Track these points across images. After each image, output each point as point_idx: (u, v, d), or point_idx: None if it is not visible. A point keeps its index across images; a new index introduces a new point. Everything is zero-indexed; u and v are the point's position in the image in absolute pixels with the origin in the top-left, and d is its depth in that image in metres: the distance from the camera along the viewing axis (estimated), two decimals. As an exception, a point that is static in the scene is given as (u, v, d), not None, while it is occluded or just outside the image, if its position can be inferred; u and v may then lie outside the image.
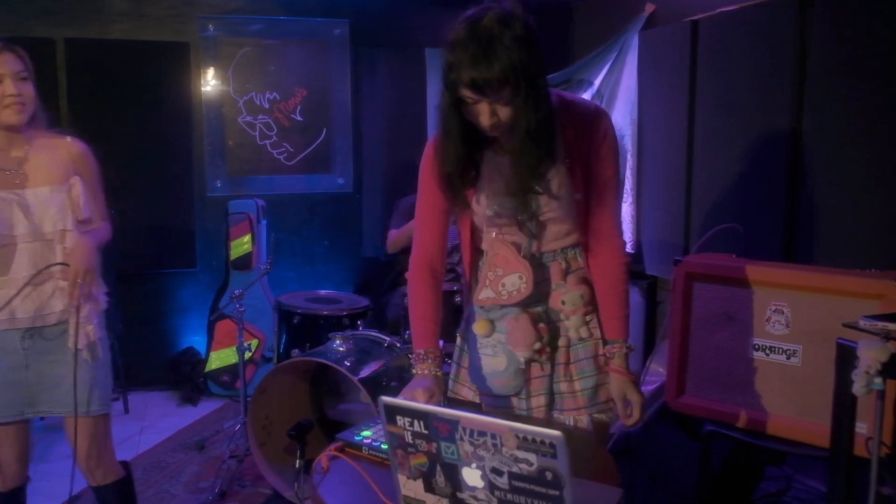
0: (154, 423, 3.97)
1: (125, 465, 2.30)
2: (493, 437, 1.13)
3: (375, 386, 2.86)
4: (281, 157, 4.68)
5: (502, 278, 1.72)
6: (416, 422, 1.22)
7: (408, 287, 1.80)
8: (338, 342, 3.02)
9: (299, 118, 4.67)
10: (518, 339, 1.72)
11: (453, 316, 3.03)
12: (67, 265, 2.04)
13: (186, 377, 4.40)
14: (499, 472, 1.15)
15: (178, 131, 4.41)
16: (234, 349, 4.29)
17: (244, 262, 4.40)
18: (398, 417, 1.24)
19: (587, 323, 1.75)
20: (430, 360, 1.69)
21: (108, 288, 2.21)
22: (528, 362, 1.74)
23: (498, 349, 1.76)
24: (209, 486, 3.18)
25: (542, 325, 1.72)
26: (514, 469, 1.13)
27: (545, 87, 1.53)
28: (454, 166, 1.64)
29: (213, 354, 4.41)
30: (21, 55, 2.04)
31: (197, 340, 4.62)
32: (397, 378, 3.00)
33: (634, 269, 3.80)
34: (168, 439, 3.77)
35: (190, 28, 4.46)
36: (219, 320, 4.34)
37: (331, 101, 4.70)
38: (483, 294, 1.75)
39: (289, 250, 4.70)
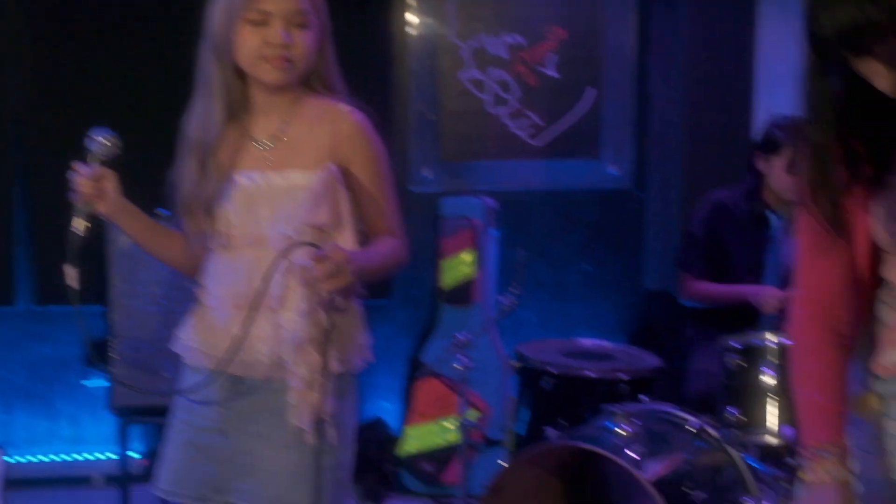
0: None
1: None
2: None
3: (674, 493, 2.83)
4: (523, 132, 4.77)
5: None
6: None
7: (793, 345, 1.84)
8: (616, 420, 3.02)
9: (552, 73, 4.75)
10: None
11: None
12: (318, 247, 2.10)
13: (371, 463, 4.56)
14: None
15: (368, 95, 4.59)
16: (444, 424, 4.43)
17: (463, 292, 4.51)
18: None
19: None
20: (832, 459, 1.69)
21: (371, 340, 2.41)
22: None
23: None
24: None
25: None
26: None
27: None
28: (822, 166, 1.70)
29: (410, 430, 4.56)
30: None
31: (386, 408, 4.80)
32: (706, 484, 2.96)
33: None
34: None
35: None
36: (422, 379, 4.50)
37: (602, 46, 4.73)
38: (887, 356, 1.75)
39: (530, 277, 4.75)
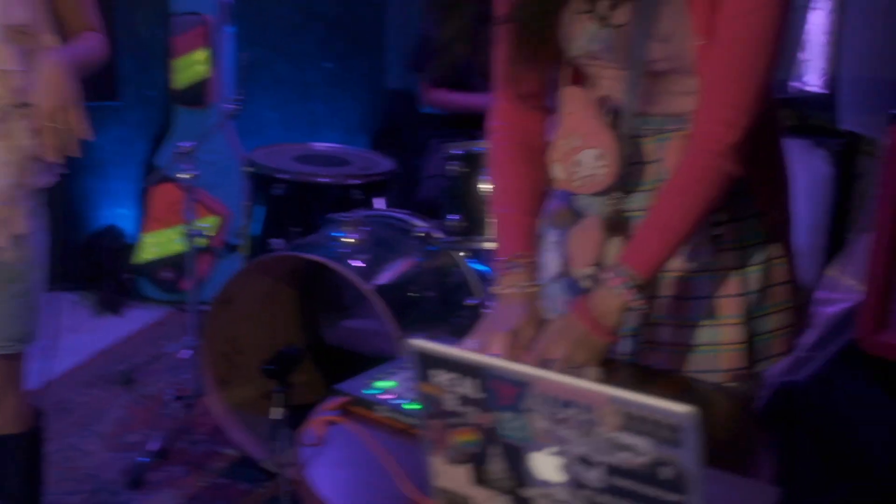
0: (56, 340, 4.10)
1: (37, 412, 2.43)
2: (585, 409, 1.14)
3: (400, 298, 2.92)
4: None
5: (578, 152, 1.74)
6: (463, 379, 1.23)
7: (490, 158, 1.83)
8: (343, 229, 3.07)
9: None
10: (576, 250, 1.78)
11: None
12: (29, 104, 2.01)
13: (105, 271, 4.53)
14: (590, 464, 1.17)
15: None
16: (181, 230, 4.36)
17: (197, 93, 4.43)
18: (435, 372, 1.25)
19: (715, 240, 1.73)
20: (518, 271, 1.71)
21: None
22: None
23: (552, 254, 1.85)
24: (140, 441, 3.33)
25: (628, 235, 1.73)
26: (614, 460, 1.14)
27: None
28: None
29: (147, 238, 4.52)
30: None
31: (122, 215, 4.75)
32: (434, 286, 3.08)
33: (820, 123, 3.79)
34: (78, 368, 3.92)
35: None
36: (157, 185, 4.42)
37: None
38: (554, 171, 1.78)
39: (269, 77, 4.72)
